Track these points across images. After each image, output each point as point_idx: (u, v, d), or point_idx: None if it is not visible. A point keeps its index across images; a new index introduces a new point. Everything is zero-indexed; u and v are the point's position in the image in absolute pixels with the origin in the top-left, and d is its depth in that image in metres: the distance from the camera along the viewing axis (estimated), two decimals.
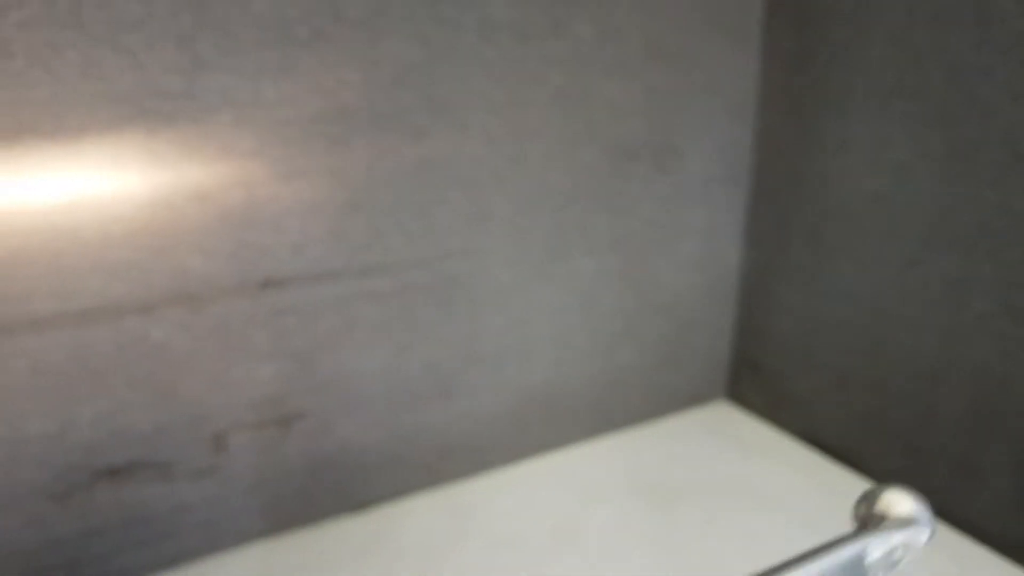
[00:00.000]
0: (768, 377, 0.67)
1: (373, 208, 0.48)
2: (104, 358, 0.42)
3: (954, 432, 0.54)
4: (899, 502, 0.29)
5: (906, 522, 0.28)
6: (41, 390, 0.38)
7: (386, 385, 0.50)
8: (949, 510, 0.53)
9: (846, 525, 0.40)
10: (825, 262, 0.62)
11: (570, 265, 0.63)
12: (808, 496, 0.55)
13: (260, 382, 0.45)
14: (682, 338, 0.67)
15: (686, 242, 0.69)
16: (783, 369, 0.66)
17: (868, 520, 0.29)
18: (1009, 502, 0.50)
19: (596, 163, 0.62)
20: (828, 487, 0.59)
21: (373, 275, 0.54)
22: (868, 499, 0.31)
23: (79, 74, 0.40)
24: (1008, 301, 0.49)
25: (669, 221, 0.67)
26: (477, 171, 0.54)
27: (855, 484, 0.58)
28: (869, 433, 0.60)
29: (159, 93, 0.43)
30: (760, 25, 0.65)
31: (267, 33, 0.44)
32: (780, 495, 0.54)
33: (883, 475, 0.58)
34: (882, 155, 0.57)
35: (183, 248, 0.44)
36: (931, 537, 0.29)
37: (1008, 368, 0.50)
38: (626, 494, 0.46)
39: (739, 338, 0.70)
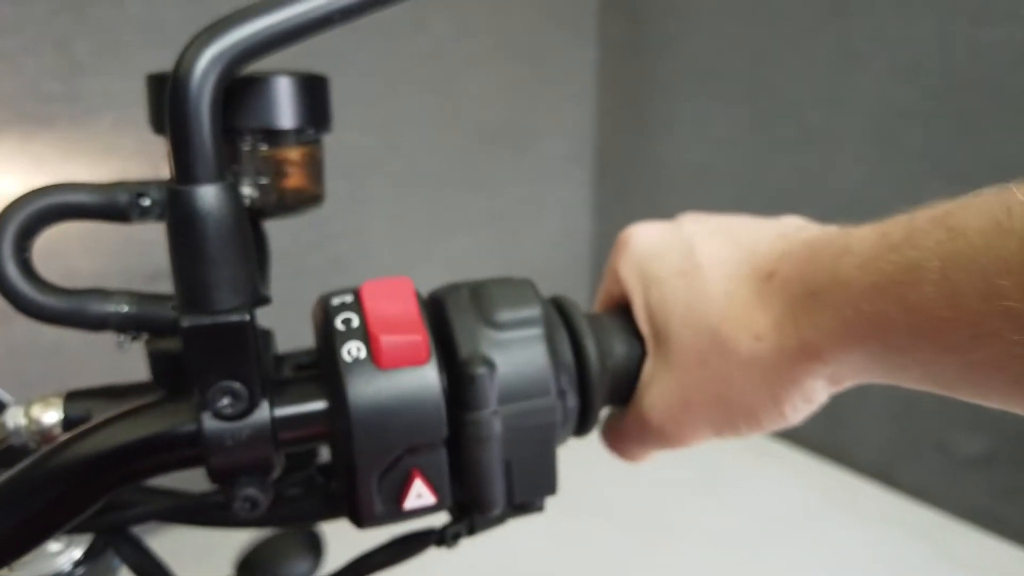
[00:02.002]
0: None
1: None
2: None
3: None
4: None
5: None
6: None
7: None
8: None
9: None
10: None
11: (449, 243, 0.69)
12: None
13: None
14: None
15: (546, 217, 0.76)
16: None
17: None
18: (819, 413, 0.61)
19: (463, 147, 0.67)
20: None
21: None
22: None
23: None
24: None
25: (530, 198, 0.74)
26: (356, 157, 0.58)
27: None
28: None
29: (38, 96, 0.44)
30: (595, 20, 0.74)
31: (146, 35, 0.45)
32: None
33: None
34: (702, 131, 0.67)
35: (70, 249, 0.45)
36: None
37: None
38: None
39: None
